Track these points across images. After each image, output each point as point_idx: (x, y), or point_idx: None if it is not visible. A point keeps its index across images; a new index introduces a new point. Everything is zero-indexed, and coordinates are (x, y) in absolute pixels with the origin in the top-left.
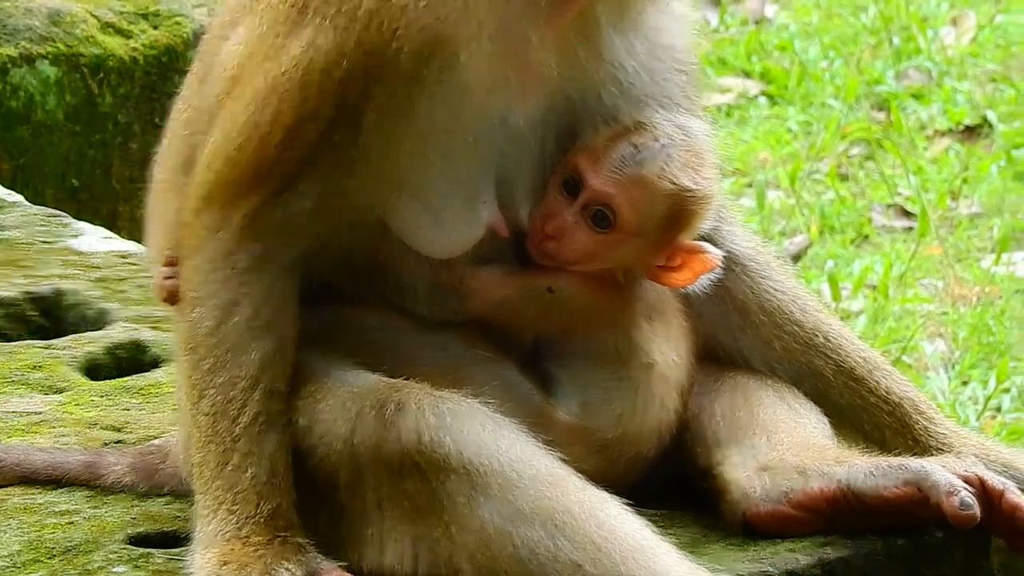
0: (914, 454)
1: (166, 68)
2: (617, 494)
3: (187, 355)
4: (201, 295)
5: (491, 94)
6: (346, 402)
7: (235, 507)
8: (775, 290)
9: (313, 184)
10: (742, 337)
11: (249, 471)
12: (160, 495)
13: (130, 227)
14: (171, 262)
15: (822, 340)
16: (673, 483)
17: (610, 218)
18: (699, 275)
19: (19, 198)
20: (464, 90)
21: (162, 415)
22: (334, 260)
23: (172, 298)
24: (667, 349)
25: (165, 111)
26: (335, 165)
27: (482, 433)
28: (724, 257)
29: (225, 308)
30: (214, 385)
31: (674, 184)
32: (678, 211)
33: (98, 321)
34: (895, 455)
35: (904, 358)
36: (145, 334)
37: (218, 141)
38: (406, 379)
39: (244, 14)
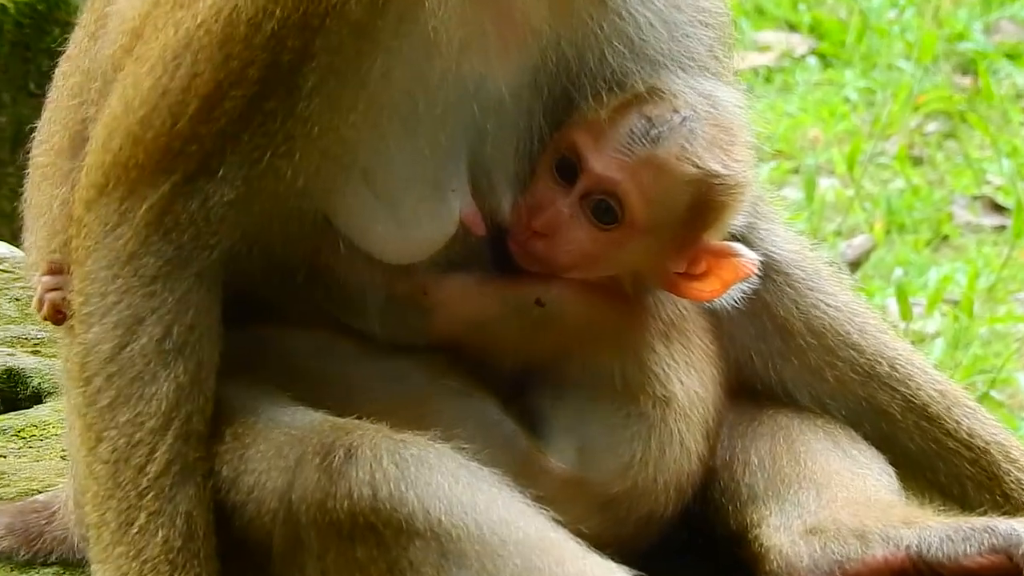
0: (1003, 513)
1: (43, 19)
2: (625, 563)
3: (80, 387)
4: (97, 310)
5: (464, 52)
6: (282, 447)
7: None
8: (826, 305)
9: (238, 167)
10: (785, 365)
11: (159, 534)
12: (46, 564)
13: None
14: (57, 269)
15: (886, 369)
16: (697, 548)
17: (616, 210)
18: (729, 285)
19: None
20: (429, 47)
21: (48, 463)
22: (263, 266)
23: (58, 315)
24: (688, 379)
25: (44, 76)
26: (265, 142)
27: (455, 487)
28: (761, 262)
29: (128, 326)
30: (115, 425)
31: (698, 167)
32: (702, 202)
33: None
34: (979, 514)
35: (993, 393)
36: (23, 361)
37: (116, 113)
38: (357, 418)
39: None
